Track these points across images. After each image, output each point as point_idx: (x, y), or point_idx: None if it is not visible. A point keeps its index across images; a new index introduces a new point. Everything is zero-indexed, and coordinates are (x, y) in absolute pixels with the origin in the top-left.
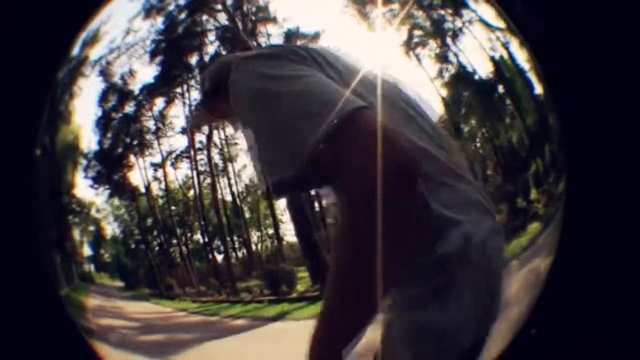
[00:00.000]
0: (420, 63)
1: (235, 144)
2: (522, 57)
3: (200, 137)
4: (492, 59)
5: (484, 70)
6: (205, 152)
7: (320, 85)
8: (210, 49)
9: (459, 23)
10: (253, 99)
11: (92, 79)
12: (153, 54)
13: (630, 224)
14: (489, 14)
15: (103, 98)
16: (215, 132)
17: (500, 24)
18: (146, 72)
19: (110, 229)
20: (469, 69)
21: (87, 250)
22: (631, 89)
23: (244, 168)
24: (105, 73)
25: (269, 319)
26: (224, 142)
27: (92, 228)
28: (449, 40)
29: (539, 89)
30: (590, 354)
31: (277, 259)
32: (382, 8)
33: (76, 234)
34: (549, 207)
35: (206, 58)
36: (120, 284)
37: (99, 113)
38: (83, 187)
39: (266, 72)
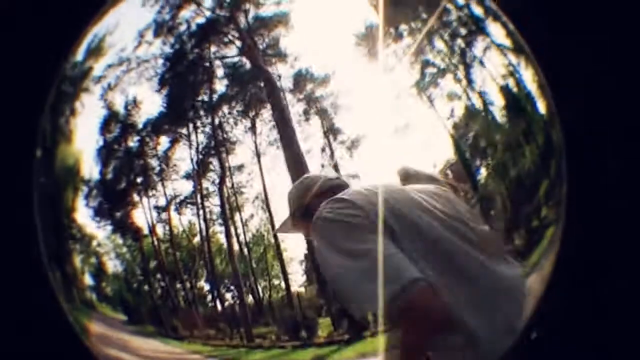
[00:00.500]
0: (432, 104)
1: (242, 193)
2: (529, 77)
3: (206, 184)
4: (503, 88)
5: (496, 101)
6: (218, 198)
7: (387, 257)
8: (220, 87)
9: (470, 54)
10: (330, 261)
11: (95, 99)
12: (161, 83)
13: (631, 228)
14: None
15: (105, 126)
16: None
17: (508, 42)
18: (151, 102)
19: (112, 264)
20: (480, 104)
21: (88, 279)
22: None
23: (251, 218)
24: (108, 96)
25: None
26: (230, 190)
27: (93, 260)
28: (460, 75)
29: (544, 106)
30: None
31: (286, 307)
32: (393, 45)
33: (77, 260)
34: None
35: (215, 97)
36: (122, 317)
37: (101, 142)
38: (84, 215)
39: (342, 246)
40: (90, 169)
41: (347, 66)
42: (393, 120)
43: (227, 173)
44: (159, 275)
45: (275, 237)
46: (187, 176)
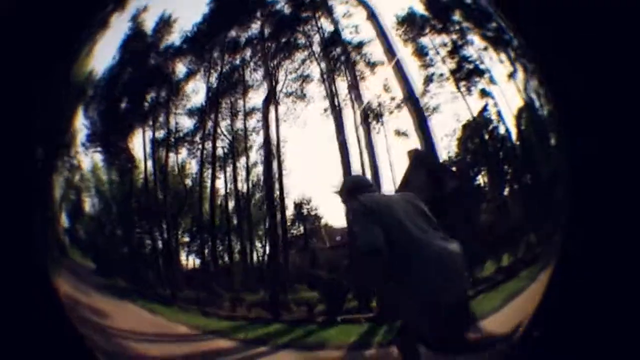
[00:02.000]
0: (464, 98)
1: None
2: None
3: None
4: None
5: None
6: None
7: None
8: (252, 30)
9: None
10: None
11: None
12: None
13: (629, 235)
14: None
15: (127, 43)
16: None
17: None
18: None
19: (91, 203)
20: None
21: (64, 220)
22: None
23: (255, 166)
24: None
25: None
26: (239, 134)
27: (72, 196)
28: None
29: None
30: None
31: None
32: (432, 37)
33: (57, 193)
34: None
35: (243, 37)
36: (92, 265)
37: (117, 57)
38: (80, 122)
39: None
40: (99, 85)
41: (385, 42)
42: (423, 102)
43: (239, 114)
44: (136, 218)
45: (281, 190)
46: (192, 112)
